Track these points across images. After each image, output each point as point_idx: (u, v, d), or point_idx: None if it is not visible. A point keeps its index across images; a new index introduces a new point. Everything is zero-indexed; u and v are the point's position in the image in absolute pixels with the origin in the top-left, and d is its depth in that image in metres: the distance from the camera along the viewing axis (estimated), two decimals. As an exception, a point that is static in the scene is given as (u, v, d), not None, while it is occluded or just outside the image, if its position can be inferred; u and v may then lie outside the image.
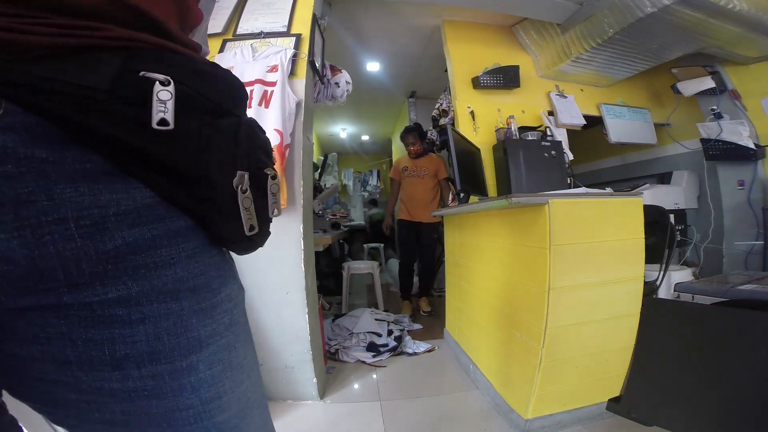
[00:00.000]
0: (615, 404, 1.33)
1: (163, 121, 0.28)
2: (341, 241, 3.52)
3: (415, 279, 3.24)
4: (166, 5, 0.33)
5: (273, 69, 1.65)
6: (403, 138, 3.18)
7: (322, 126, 5.63)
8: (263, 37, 1.78)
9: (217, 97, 0.34)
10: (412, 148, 3.10)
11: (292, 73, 1.70)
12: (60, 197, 0.26)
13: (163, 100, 0.28)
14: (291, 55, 1.70)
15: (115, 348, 0.29)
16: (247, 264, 1.58)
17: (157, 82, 0.28)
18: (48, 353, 0.28)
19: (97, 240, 0.27)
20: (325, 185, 4.63)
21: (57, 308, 0.27)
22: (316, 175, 4.56)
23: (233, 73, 0.37)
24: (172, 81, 0.29)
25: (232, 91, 0.37)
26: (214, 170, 0.31)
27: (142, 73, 0.28)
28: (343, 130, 6.02)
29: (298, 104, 1.66)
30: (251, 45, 1.73)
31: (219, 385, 0.34)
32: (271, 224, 0.39)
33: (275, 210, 0.37)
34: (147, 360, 0.30)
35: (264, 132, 0.39)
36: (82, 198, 0.26)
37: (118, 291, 0.28)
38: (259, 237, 0.37)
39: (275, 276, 1.60)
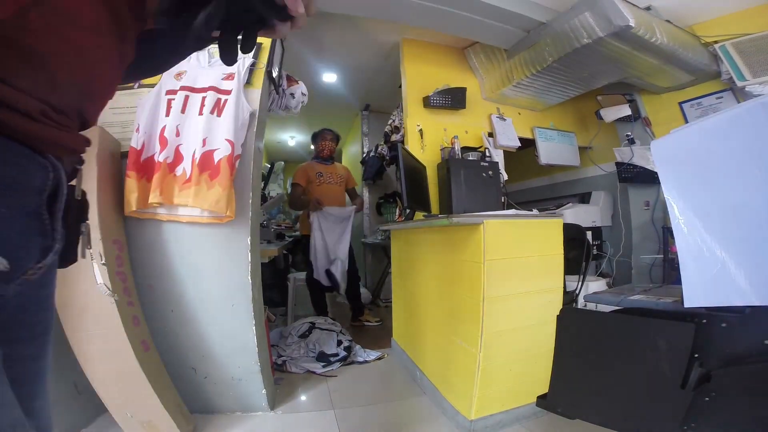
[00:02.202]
0: (543, 401, 1.47)
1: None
2: (285, 251, 3.46)
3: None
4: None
5: (229, 77, 1.62)
6: (318, 134, 3.13)
7: (269, 133, 5.47)
8: (222, 44, 1.75)
9: None
10: (328, 143, 3.05)
11: (249, 82, 1.69)
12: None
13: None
14: (249, 65, 1.68)
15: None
16: (191, 276, 1.56)
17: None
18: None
19: None
20: (269, 194, 4.50)
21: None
22: (262, 184, 4.43)
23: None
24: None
25: None
26: (73, 222, 0.48)
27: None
28: (291, 138, 5.90)
29: (252, 114, 1.64)
30: (208, 50, 1.66)
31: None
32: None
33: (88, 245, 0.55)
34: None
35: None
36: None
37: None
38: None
39: (221, 288, 1.57)
